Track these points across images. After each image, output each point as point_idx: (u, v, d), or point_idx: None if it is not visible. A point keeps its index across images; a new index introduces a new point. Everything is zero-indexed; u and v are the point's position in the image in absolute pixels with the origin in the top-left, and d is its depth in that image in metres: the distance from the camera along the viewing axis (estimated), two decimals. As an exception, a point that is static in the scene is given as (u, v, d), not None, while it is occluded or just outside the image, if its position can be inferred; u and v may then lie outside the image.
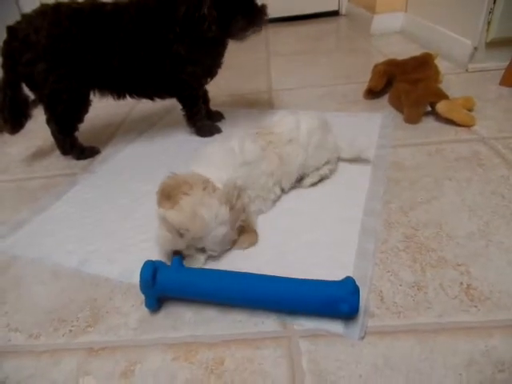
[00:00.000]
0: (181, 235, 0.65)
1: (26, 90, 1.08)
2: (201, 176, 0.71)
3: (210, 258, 0.70)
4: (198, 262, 0.68)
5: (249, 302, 0.60)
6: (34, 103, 1.11)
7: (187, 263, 0.66)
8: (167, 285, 0.60)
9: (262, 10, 1.03)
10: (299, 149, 0.84)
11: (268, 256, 0.70)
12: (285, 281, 0.59)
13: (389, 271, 0.64)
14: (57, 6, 1.02)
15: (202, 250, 0.68)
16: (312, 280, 0.58)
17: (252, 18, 1.02)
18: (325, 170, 0.89)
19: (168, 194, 0.69)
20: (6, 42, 1.00)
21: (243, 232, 0.72)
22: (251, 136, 0.83)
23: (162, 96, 1.18)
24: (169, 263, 0.64)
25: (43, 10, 1.01)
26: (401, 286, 0.62)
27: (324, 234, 0.74)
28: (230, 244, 0.71)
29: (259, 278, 0.61)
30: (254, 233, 0.74)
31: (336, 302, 0.54)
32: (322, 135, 0.88)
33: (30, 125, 1.12)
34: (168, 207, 0.67)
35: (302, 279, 0.58)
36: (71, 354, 0.58)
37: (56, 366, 0.56)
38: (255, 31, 1.04)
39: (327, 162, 0.89)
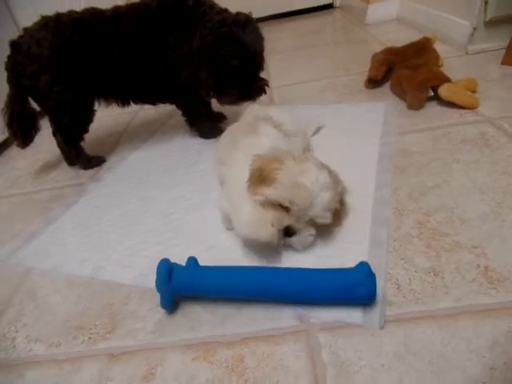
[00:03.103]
0: (287, 210, 0.64)
1: (33, 103, 1.09)
2: (284, 150, 0.70)
3: (320, 230, 0.68)
4: (309, 237, 0.67)
5: (265, 295, 0.60)
6: (40, 115, 1.12)
7: (297, 242, 0.66)
8: (183, 283, 0.60)
9: (261, 85, 0.99)
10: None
11: (280, 248, 0.70)
12: (300, 272, 0.59)
13: (403, 258, 0.64)
14: (57, 17, 1.03)
15: (311, 223, 0.66)
16: (327, 269, 0.58)
17: (246, 92, 0.99)
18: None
19: (261, 177, 0.67)
20: (9, 57, 1.01)
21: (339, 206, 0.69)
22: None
23: (163, 101, 1.19)
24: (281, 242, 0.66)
25: (44, 23, 1.02)
26: (416, 272, 0.61)
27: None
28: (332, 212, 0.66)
29: (274, 271, 0.61)
30: (345, 210, 0.71)
31: (353, 286, 0.54)
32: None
33: (36, 138, 1.13)
34: (265, 189, 0.65)
35: (316, 269, 0.58)
36: (92, 361, 0.58)
37: (77, 374, 0.57)
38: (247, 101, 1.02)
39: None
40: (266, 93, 1.02)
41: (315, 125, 1.07)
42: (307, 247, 0.68)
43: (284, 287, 0.58)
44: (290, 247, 0.69)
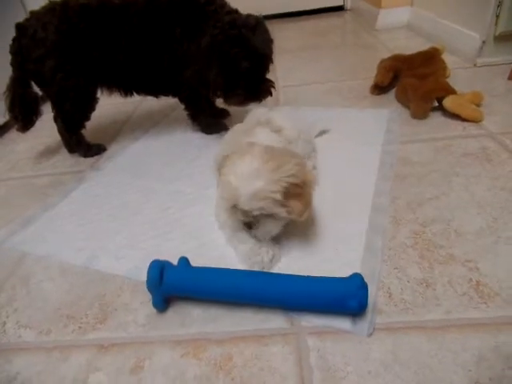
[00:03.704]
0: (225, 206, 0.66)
1: (35, 87, 1.08)
2: (247, 143, 0.70)
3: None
4: (268, 230, 0.67)
5: (257, 300, 0.60)
6: (42, 99, 1.12)
7: (257, 234, 0.67)
8: (174, 284, 0.60)
9: (268, 87, 1.00)
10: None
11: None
12: (293, 278, 0.59)
13: (396, 268, 0.64)
14: (65, 2, 1.02)
15: (263, 217, 0.64)
16: (320, 277, 0.58)
17: (253, 93, 1.00)
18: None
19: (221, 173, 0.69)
20: (14, 39, 1.01)
21: (294, 198, 0.62)
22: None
23: (166, 94, 1.18)
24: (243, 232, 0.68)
25: (52, 7, 1.01)
26: (409, 282, 0.61)
27: (331, 230, 0.73)
28: (279, 207, 0.62)
29: (267, 275, 0.61)
30: (306, 203, 0.63)
31: (345, 298, 0.54)
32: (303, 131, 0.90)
33: (37, 122, 1.13)
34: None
35: (309, 276, 0.58)
36: (81, 351, 0.59)
37: (66, 362, 0.57)
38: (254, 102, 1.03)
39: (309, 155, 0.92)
40: (272, 95, 1.03)
41: (320, 127, 1.07)
42: (267, 239, 0.68)
43: (276, 293, 0.58)
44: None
